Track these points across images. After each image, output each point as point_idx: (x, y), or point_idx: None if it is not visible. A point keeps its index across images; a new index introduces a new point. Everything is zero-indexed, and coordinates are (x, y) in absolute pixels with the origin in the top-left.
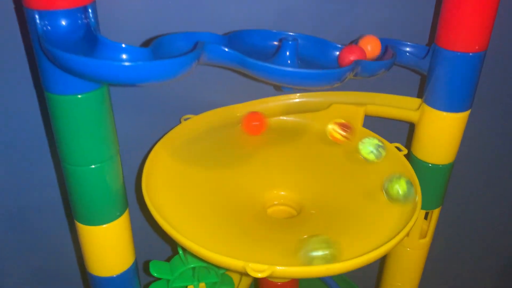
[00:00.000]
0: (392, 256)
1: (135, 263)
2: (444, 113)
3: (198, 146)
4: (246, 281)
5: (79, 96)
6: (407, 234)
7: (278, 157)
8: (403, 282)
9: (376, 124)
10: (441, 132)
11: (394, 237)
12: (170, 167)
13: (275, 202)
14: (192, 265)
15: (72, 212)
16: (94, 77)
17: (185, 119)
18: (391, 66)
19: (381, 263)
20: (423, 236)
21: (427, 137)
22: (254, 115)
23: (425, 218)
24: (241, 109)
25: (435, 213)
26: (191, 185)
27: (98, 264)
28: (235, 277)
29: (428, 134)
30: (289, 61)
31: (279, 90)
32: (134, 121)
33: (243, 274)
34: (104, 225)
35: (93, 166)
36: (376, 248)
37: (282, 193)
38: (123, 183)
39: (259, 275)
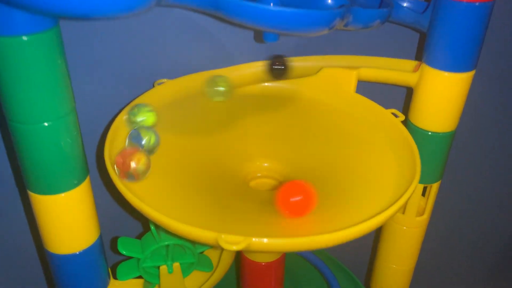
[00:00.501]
0: (387, 236)
1: (100, 239)
2: (446, 74)
3: (171, 112)
4: (225, 262)
5: (24, 38)
6: (404, 205)
7: (262, 126)
8: (398, 264)
9: (370, 91)
10: (442, 95)
11: (390, 206)
12: None
13: (258, 174)
14: (165, 243)
15: (24, 181)
16: None
17: (159, 84)
18: (387, 18)
19: (374, 245)
20: (420, 213)
21: (426, 102)
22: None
23: (423, 195)
24: (221, 74)
25: (434, 188)
26: (161, 154)
27: (56, 240)
28: (214, 259)
29: (427, 98)
30: (271, 4)
31: (261, 41)
32: (101, 84)
33: (216, 247)
34: (61, 194)
35: (46, 124)
36: (368, 219)
37: (266, 164)
38: (82, 147)
39: (234, 248)
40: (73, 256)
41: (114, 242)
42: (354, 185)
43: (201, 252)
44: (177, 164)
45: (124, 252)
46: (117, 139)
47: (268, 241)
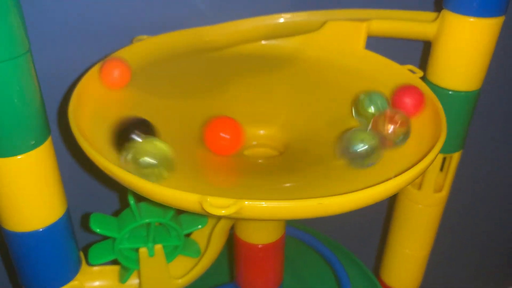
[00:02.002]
0: (400, 216)
1: (67, 214)
2: (471, 19)
3: (152, 72)
4: (215, 246)
5: None
6: (425, 169)
7: (258, 89)
8: (412, 249)
9: (380, 49)
10: (467, 46)
11: (409, 169)
12: (113, 94)
13: (254, 143)
14: (146, 221)
15: None
16: None
17: (138, 40)
18: None
19: (383, 233)
20: (438, 189)
21: (447, 56)
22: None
23: (441, 169)
24: (210, 32)
25: (454, 159)
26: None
27: (13, 214)
28: (202, 243)
29: (448, 51)
30: None
31: None
32: (71, 39)
33: (201, 214)
34: (17, 157)
35: None
36: (382, 182)
37: (262, 131)
38: (40, 101)
39: (223, 212)
40: (34, 234)
41: (86, 220)
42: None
43: (188, 235)
44: (160, 127)
45: (97, 230)
46: (84, 97)
47: (266, 205)
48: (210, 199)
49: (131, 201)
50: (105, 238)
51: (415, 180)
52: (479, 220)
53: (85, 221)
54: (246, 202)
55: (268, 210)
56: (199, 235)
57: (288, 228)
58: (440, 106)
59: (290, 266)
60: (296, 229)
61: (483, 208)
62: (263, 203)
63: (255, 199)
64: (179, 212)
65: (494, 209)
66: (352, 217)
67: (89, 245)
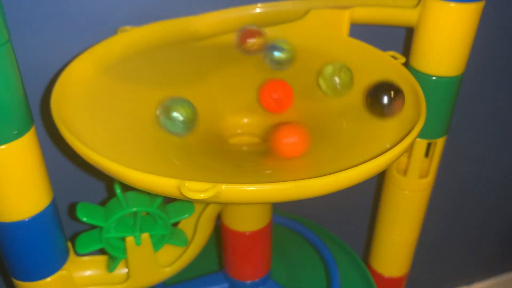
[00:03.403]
0: (388, 203)
1: (53, 204)
2: (452, 4)
3: (136, 61)
4: (202, 235)
5: None
6: (407, 148)
7: (242, 78)
8: (400, 235)
9: (364, 37)
10: (448, 32)
11: (391, 148)
12: (96, 84)
13: (238, 131)
14: (133, 209)
15: None
16: None
17: (123, 31)
18: None
19: (371, 220)
20: (424, 175)
21: (429, 42)
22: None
23: (426, 155)
24: (194, 22)
25: (439, 145)
26: (125, 106)
27: (0, 204)
28: (189, 232)
29: (430, 37)
30: None
31: None
32: (55, 30)
33: (180, 199)
34: (1, 146)
35: None
36: (364, 162)
37: (246, 120)
38: (21, 91)
39: (201, 196)
40: (20, 224)
41: (73, 209)
42: (349, 134)
43: (175, 224)
44: (143, 117)
45: (84, 219)
46: (67, 87)
47: (242, 188)
48: (188, 183)
49: (118, 190)
50: (92, 227)
51: (393, 162)
52: (466, 206)
53: (72, 211)
54: (223, 186)
55: (245, 194)
56: (186, 224)
57: (277, 217)
58: (420, 90)
59: (279, 254)
60: (286, 218)
61: (469, 194)
62: (240, 186)
63: (232, 183)
64: (167, 202)
65: (480, 195)
66: (340, 204)
67: (77, 235)
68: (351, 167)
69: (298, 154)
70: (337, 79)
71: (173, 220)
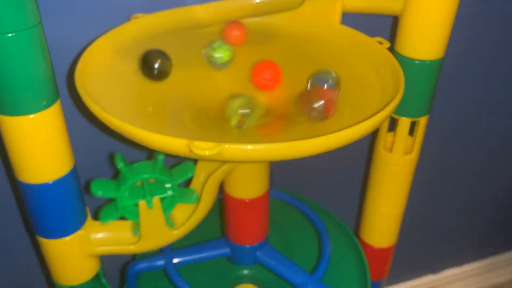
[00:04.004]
0: (376, 177)
1: (74, 171)
2: None
3: (148, 45)
4: (206, 201)
5: None
6: (389, 115)
7: (245, 62)
8: (388, 207)
9: (356, 22)
10: (429, 19)
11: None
12: (112, 63)
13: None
14: (137, 177)
15: None
16: None
17: (135, 18)
18: None
19: (362, 193)
20: (408, 151)
21: (412, 28)
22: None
23: (411, 134)
24: (200, 10)
25: (422, 123)
26: (139, 84)
27: (27, 167)
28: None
29: (413, 24)
30: None
31: None
32: (76, 17)
33: (188, 156)
34: (30, 116)
35: (9, 35)
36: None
37: None
38: (50, 67)
39: (207, 153)
40: (45, 186)
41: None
42: (340, 108)
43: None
44: (152, 91)
45: (98, 193)
46: (89, 66)
47: (242, 147)
48: (196, 143)
49: (119, 164)
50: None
51: (373, 130)
52: (455, 188)
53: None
54: (226, 146)
55: (244, 152)
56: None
57: (275, 192)
58: (400, 69)
59: (275, 226)
60: (282, 193)
61: (458, 176)
62: (240, 145)
63: (233, 143)
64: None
65: (469, 177)
66: (333, 181)
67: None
68: (331, 132)
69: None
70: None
71: (178, 181)
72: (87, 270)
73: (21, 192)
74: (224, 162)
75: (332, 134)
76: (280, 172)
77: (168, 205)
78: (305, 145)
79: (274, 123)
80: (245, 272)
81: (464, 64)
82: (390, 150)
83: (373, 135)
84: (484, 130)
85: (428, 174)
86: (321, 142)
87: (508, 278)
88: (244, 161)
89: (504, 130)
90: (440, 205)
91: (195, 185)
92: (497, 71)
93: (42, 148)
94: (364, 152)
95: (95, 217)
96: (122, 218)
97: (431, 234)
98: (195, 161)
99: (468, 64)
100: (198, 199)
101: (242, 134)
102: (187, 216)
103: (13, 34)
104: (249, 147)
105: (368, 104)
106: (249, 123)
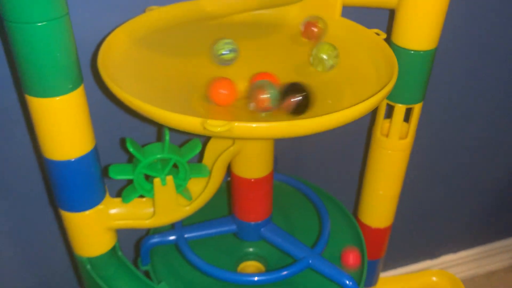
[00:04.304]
0: (374, 161)
1: (95, 151)
2: None
3: (162, 36)
4: (215, 180)
5: None
6: (384, 98)
7: (250, 51)
8: (385, 189)
9: (355, 15)
10: (423, 12)
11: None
12: (129, 51)
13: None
14: (149, 159)
15: (22, 86)
16: None
17: (150, 10)
18: None
19: (360, 177)
20: (403, 137)
21: (407, 21)
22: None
23: (405, 120)
24: (210, 3)
25: (416, 109)
26: (154, 70)
27: (52, 145)
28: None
29: (408, 17)
30: None
31: None
32: (97, 9)
33: (201, 133)
34: (56, 98)
35: (39, 24)
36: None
37: None
38: (75, 53)
39: (218, 129)
40: (68, 163)
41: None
42: (341, 93)
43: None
44: (167, 76)
45: (116, 176)
46: (110, 54)
47: (249, 125)
48: (209, 121)
49: (130, 148)
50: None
51: (369, 111)
52: (445, 168)
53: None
54: (236, 124)
55: (251, 129)
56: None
57: (278, 175)
58: (394, 57)
59: (278, 206)
60: (286, 176)
61: (447, 156)
62: (247, 123)
63: (242, 121)
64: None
65: (466, 165)
66: (333, 166)
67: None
68: (329, 113)
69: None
70: (325, 56)
71: (187, 158)
72: (104, 242)
73: (46, 168)
74: (233, 138)
75: (331, 114)
76: (284, 157)
77: (181, 181)
78: (304, 124)
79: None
80: (250, 249)
81: (456, 54)
82: (387, 135)
83: (371, 122)
84: (478, 117)
85: (425, 161)
86: (318, 121)
87: (503, 265)
88: (250, 137)
89: (499, 117)
90: (437, 193)
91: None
92: (488, 60)
93: (66, 127)
94: (362, 138)
95: (116, 195)
96: (141, 196)
97: (429, 221)
98: (202, 140)
99: (459, 54)
100: (209, 173)
101: (249, 115)
102: (198, 193)
103: (44, 23)
104: (254, 125)
105: (366, 88)
106: (273, 105)
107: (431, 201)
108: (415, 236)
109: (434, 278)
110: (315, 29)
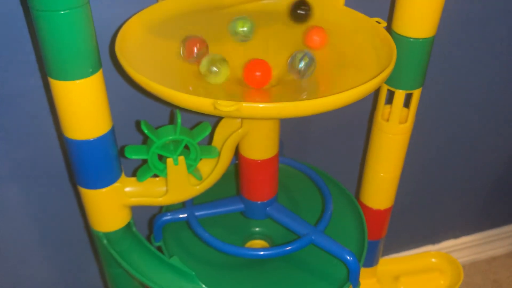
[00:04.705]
0: (375, 144)
1: (112, 132)
2: None
3: (174, 23)
4: (224, 161)
5: None
6: (383, 80)
7: (259, 38)
8: (386, 172)
9: (358, 4)
10: (422, 1)
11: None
12: (144, 38)
13: None
14: (162, 140)
15: (46, 70)
16: None
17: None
18: None
19: (362, 159)
20: (403, 121)
21: (407, 10)
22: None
23: (405, 106)
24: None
25: (416, 95)
26: (167, 55)
27: (72, 125)
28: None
29: (408, 5)
30: None
31: None
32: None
33: (211, 113)
34: (77, 81)
35: (62, 12)
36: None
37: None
38: (95, 39)
39: (227, 109)
40: (87, 142)
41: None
42: (344, 77)
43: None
44: (179, 61)
45: (131, 156)
46: (126, 40)
47: (255, 105)
48: (219, 101)
49: (145, 130)
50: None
51: (369, 93)
52: (444, 149)
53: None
54: (244, 104)
55: (258, 109)
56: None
57: (284, 159)
58: (393, 43)
59: (283, 188)
60: (290, 159)
61: (449, 142)
62: (255, 104)
63: (249, 102)
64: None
65: (466, 150)
66: (336, 150)
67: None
68: (330, 95)
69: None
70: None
71: (198, 139)
72: (120, 218)
73: (67, 147)
74: (241, 118)
75: (333, 95)
76: (290, 142)
77: (192, 162)
78: (308, 104)
79: (283, 90)
80: (257, 229)
81: (454, 41)
82: (387, 120)
83: (373, 107)
84: (478, 102)
85: (426, 147)
86: (321, 102)
87: (504, 250)
88: (257, 117)
89: (498, 99)
90: (438, 179)
91: (215, 147)
92: (485, 47)
93: (86, 109)
94: (364, 123)
95: (131, 175)
96: (155, 176)
97: (430, 207)
98: (212, 123)
99: (457, 42)
100: (218, 154)
101: (257, 95)
102: (208, 173)
103: (66, 11)
104: (261, 105)
105: (367, 72)
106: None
107: (433, 187)
108: (417, 221)
109: (433, 260)
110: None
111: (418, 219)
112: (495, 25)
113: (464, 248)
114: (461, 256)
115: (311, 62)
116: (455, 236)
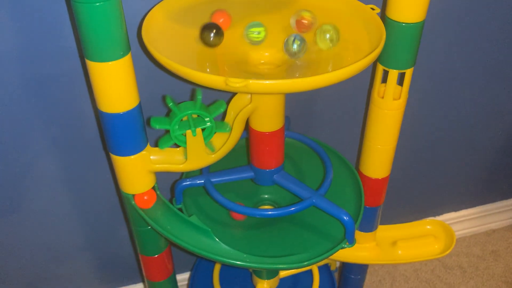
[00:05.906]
0: (372, 119)
1: (139, 108)
2: None
3: (194, 12)
4: (236, 132)
5: None
6: (374, 58)
7: (264, 23)
8: (382, 144)
9: None
10: None
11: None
12: (166, 24)
13: (262, 61)
14: (184, 113)
15: (83, 53)
16: None
17: None
18: None
19: (362, 132)
20: (397, 98)
21: None
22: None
23: (399, 83)
24: None
25: (408, 73)
26: (186, 40)
27: (106, 100)
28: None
29: None
30: None
31: None
32: None
33: (223, 89)
34: (109, 62)
35: (97, 4)
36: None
37: (267, 54)
38: (125, 25)
39: (237, 85)
40: (118, 115)
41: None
42: (341, 57)
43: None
44: (197, 45)
45: (156, 126)
46: (151, 27)
47: (260, 82)
48: (230, 79)
49: (170, 103)
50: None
51: (361, 70)
52: (443, 124)
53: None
54: (250, 81)
55: (263, 86)
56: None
57: (290, 133)
58: (382, 26)
59: (289, 159)
60: (296, 133)
61: (447, 117)
62: (260, 81)
63: (255, 79)
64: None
65: (466, 124)
66: (338, 124)
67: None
68: (326, 72)
69: None
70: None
71: (214, 114)
72: (146, 182)
73: (101, 119)
74: (249, 93)
75: (332, 72)
76: (295, 118)
77: (208, 134)
78: (308, 80)
79: (288, 70)
80: (265, 196)
81: (442, 24)
82: (383, 97)
83: (370, 86)
84: (469, 80)
85: (427, 122)
86: (321, 78)
87: (503, 224)
88: (263, 92)
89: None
90: (438, 153)
91: (228, 120)
92: (472, 30)
93: (117, 86)
94: (363, 100)
95: (155, 145)
96: (175, 146)
97: (431, 181)
98: (226, 100)
99: (445, 25)
100: (231, 129)
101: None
102: (222, 144)
103: (101, 3)
104: (267, 82)
105: (360, 52)
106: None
107: (433, 160)
108: (417, 195)
109: (428, 226)
110: (305, 21)
111: (419, 192)
112: (482, 8)
113: (464, 221)
114: (461, 229)
115: (302, 43)
116: (455, 209)
